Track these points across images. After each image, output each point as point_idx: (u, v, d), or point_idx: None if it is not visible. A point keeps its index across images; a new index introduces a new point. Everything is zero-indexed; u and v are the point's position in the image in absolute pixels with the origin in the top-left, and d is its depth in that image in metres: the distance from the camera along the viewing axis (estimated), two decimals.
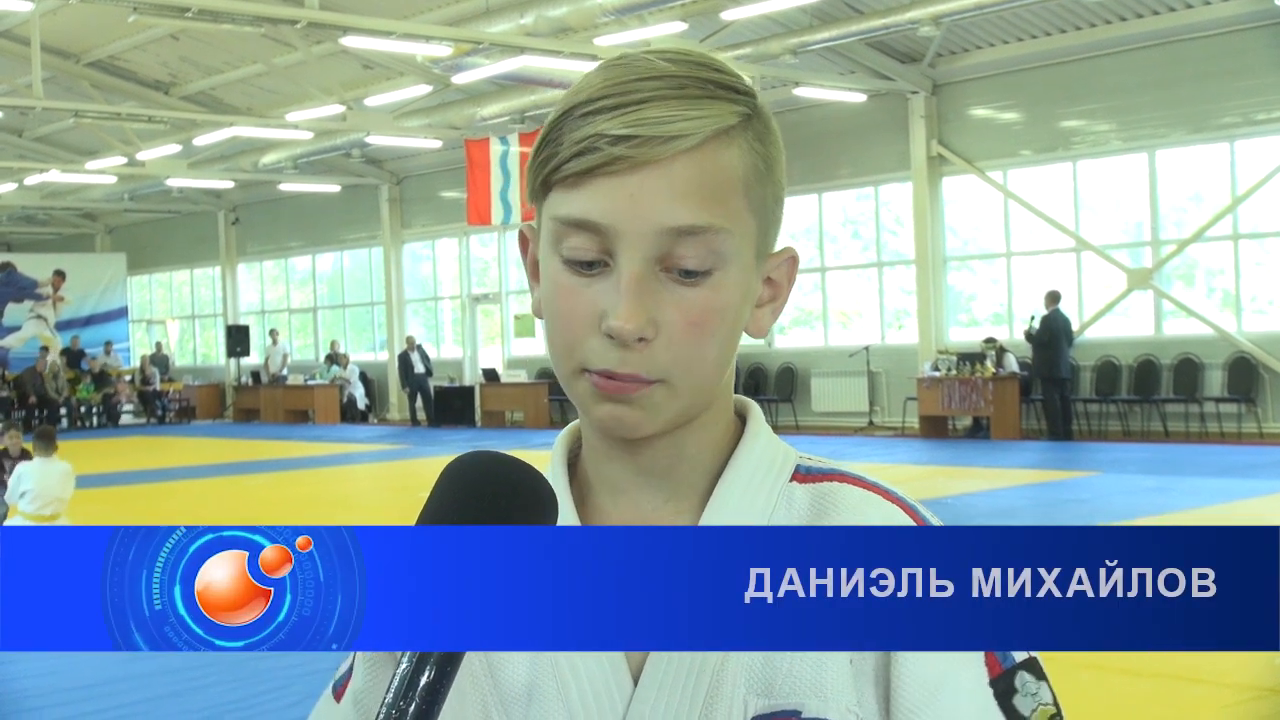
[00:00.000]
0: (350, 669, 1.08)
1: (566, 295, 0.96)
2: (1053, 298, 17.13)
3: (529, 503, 0.88)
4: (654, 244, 0.93)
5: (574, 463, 1.10)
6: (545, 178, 0.96)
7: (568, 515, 1.04)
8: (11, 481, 9.80)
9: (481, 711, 1.02)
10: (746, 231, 0.96)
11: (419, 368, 24.67)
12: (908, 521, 0.99)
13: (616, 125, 0.92)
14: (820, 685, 0.95)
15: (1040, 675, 0.97)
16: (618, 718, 0.97)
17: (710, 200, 0.93)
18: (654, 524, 1.02)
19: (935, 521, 1.00)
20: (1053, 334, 16.95)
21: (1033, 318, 17.32)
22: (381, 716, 0.83)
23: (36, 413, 27.18)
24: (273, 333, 28.73)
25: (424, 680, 0.83)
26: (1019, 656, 0.97)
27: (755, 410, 1.07)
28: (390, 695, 0.83)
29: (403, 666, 0.83)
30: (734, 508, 1.01)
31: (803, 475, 1.04)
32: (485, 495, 0.88)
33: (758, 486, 1.02)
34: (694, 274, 0.94)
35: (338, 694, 1.08)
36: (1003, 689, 0.95)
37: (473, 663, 1.03)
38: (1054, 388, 17.11)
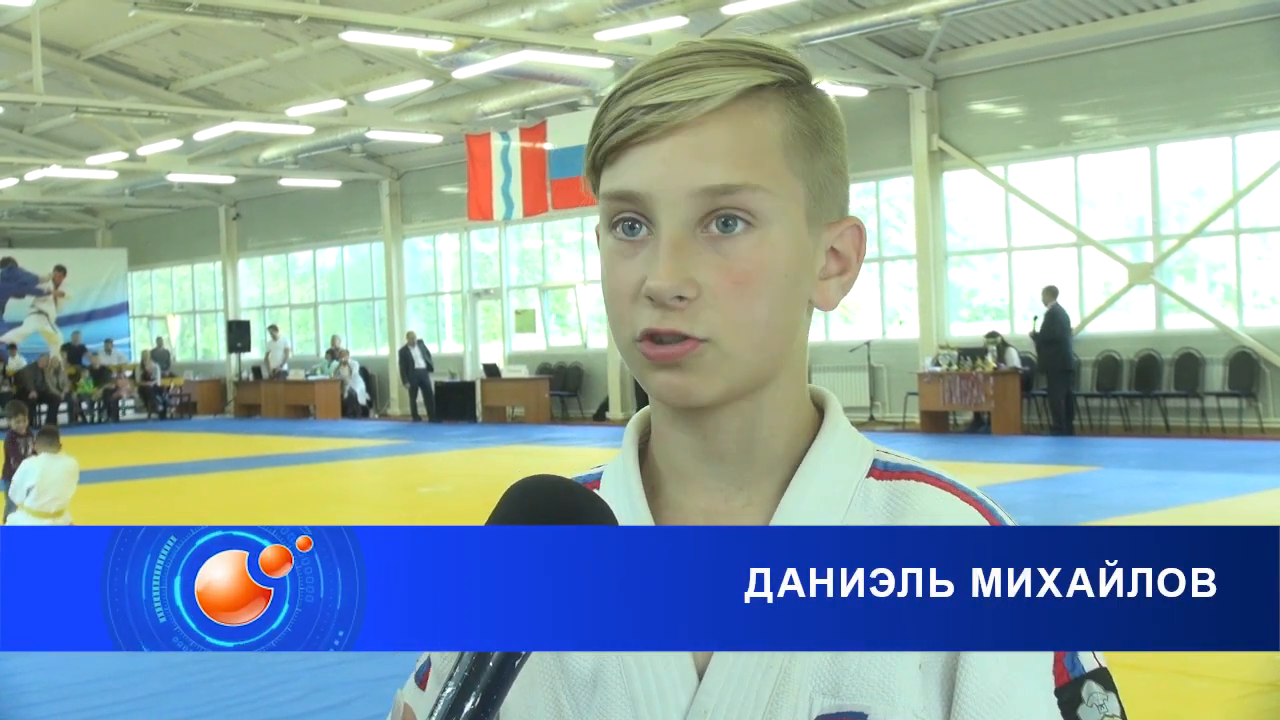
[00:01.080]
0: (428, 658, 1.09)
1: (615, 266, 0.98)
2: (1051, 293, 17.13)
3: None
4: (690, 206, 0.94)
5: (645, 450, 1.08)
6: (593, 160, 0.99)
7: (639, 510, 1.03)
8: (16, 478, 9.84)
9: (551, 696, 1.03)
10: (790, 194, 0.97)
11: (419, 363, 24.68)
12: (983, 523, 0.98)
13: (649, 96, 0.95)
14: (888, 688, 0.94)
15: (1109, 686, 0.96)
16: (681, 710, 0.97)
17: (744, 160, 0.95)
18: (726, 516, 1.01)
19: (1011, 521, 0.98)
20: (1059, 328, 16.95)
21: (1035, 318, 17.30)
22: None
23: (37, 408, 27.18)
24: (272, 329, 28.72)
25: (468, 707, 0.83)
26: (1088, 666, 0.96)
27: (833, 401, 1.06)
28: None
29: (447, 691, 0.83)
30: (811, 501, 1.00)
31: (880, 471, 1.02)
32: (546, 519, 0.86)
33: (835, 479, 1.01)
34: (733, 232, 0.95)
35: (421, 681, 1.08)
36: (1068, 698, 0.94)
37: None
38: (1062, 382, 17.09)
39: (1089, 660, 0.96)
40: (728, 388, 0.97)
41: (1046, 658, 0.94)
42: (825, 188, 1.00)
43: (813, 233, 0.99)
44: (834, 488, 1.00)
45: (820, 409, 1.05)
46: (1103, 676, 0.96)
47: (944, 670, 0.95)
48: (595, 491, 1.07)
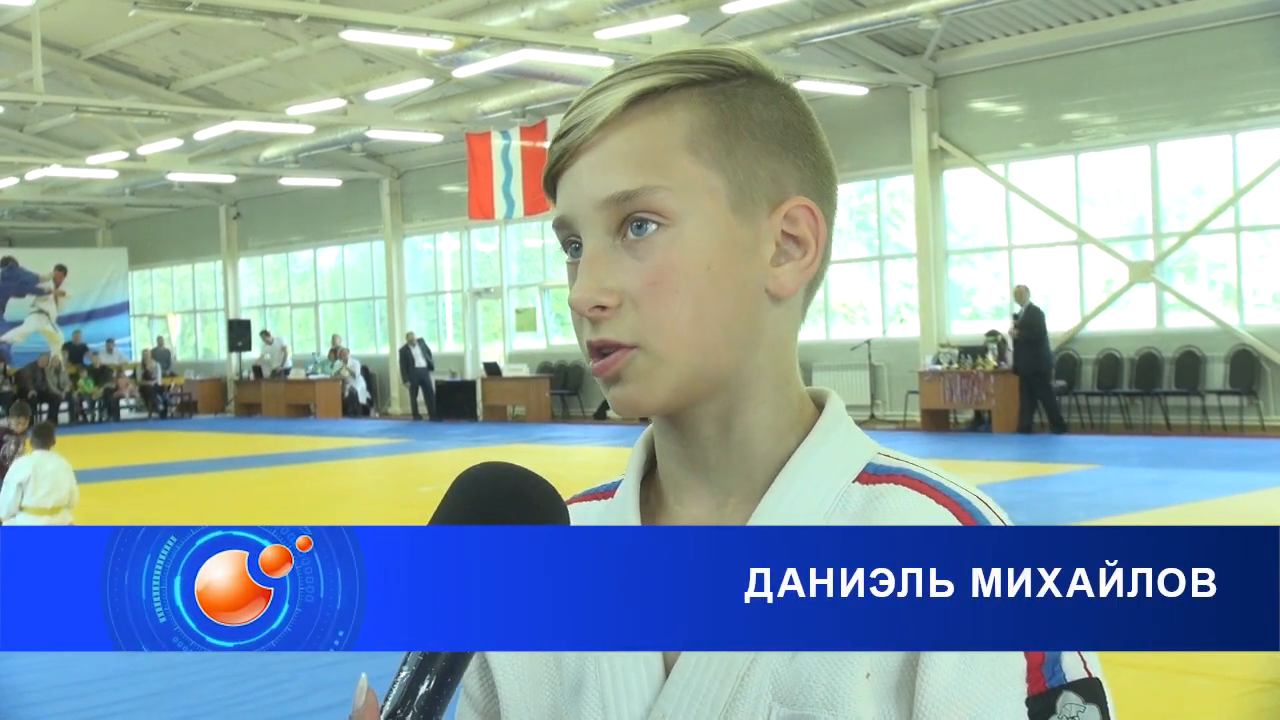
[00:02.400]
0: None
1: (571, 287, 0.99)
2: (1025, 292, 17.05)
3: (540, 518, 0.88)
4: (600, 217, 0.97)
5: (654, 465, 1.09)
6: (548, 195, 1.03)
7: (630, 518, 1.04)
8: (8, 478, 9.83)
9: (551, 698, 1.05)
10: (703, 187, 0.96)
11: (420, 362, 24.69)
12: (950, 520, 0.94)
13: (564, 124, 1.00)
14: (833, 697, 0.93)
15: (1092, 699, 0.90)
16: (641, 712, 0.98)
17: (643, 163, 0.96)
18: (716, 523, 1.01)
19: (990, 518, 0.95)
20: (1040, 329, 16.89)
21: (1016, 316, 17.15)
22: None
23: (38, 407, 27.20)
24: (264, 334, 28.69)
25: (423, 690, 0.84)
26: (1071, 675, 0.90)
27: (834, 402, 1.04)
28: (388, 705, 0.84)
29: (402, 675, 0.84)
30: (789, 506, 0.98)
31: (869, 475, 1.00)
32: (493, 508, 0.87)
33: (818, 485, 0.99)
34: (647, 235, 0.96)
35: None
36: (1040, 709, 0.89)
37: (545, 653, 1.05)
38: (1042, 382, 17.03)
39: (1074, 669, 0.90)
40: (673, 391, 0.97)
41: (1018, 664, 0.89)
42: (754, 175, 0.98)
43: (746, 222, 0.98)
44: (816, 492, 0.98)
45: (822, 410, 1.04)
46: (1086, 688, 0.90)
47: (900, 677, 0.92)
48: (590, 503, 1.10)
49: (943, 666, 0.90)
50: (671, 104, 0.97)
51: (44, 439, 10.04)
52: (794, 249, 1.00)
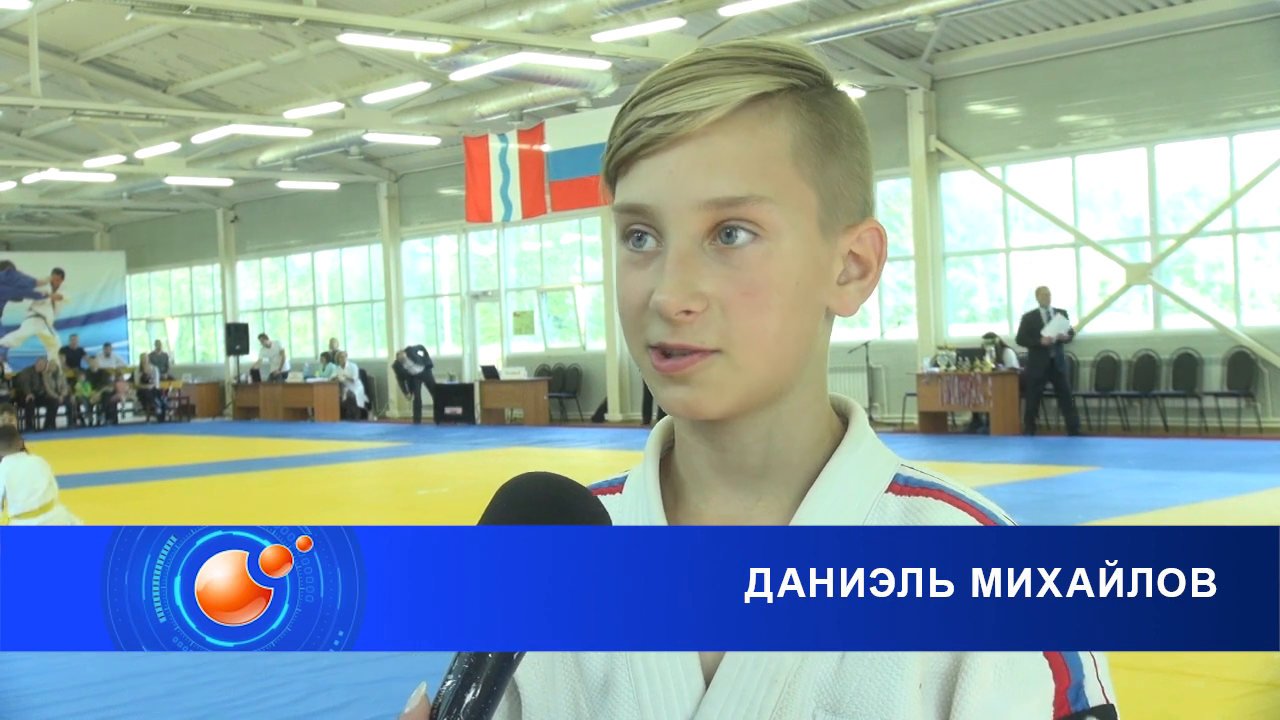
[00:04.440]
0: None
1: (626, 277, 0.97)
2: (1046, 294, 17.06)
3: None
4: (696, 218, 0.93)
5: (669, 458, 1.08)
6: (606, 172, 0.99)
7: (656, 518, 1.03)
8: None
9: (571, 698, 1.03)
10: (800, 203, 0.95)
11: (416, 369, 24.71)
12: None
13: (655, 108, 0.94)
14: (887, 707, 0.93)
15: None
16: (686, 717, 0.97)
17: (751, 170, 0.93)
18: (745, 524, 1.00)
19: None
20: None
21: (1060, 312, 16.98)
22: None
23: (35, 411, 27.20)
24: (262, 337, 28.68)
25: (469, 699, 0.84)
26: (1093, 701, 0.93)
27: (859, 412, 1.04)
28: (438, 713, 0.84)
29: (448, 684, 0.84)
30: (825, 514, 0.98)
31: (900, 486, 1.01)
32: (537, 517, 0.87)
33: (852, 494, 0.99)
34: (741, 245, 0.93)
35: None
36: None
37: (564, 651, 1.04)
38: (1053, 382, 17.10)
39: (1095, 694, 0.93)
40: (739, 401, 0.96)
41: (1049, 687, 0.92)
42: (840, 193, 0.98)
43: (827, 239, 0.97)
44: (851, 501, 0.99)
45: (845, 419, 1.04)
46: (1104, 713, 0.93)
47: (942, 691, 0.93)
48: (604, 497, 1.07)
49: (981, 685, 0.91)
50: (778, 110, 0.95)
51: (9, 443, 9.79)
52: (855, 268, 1.00)
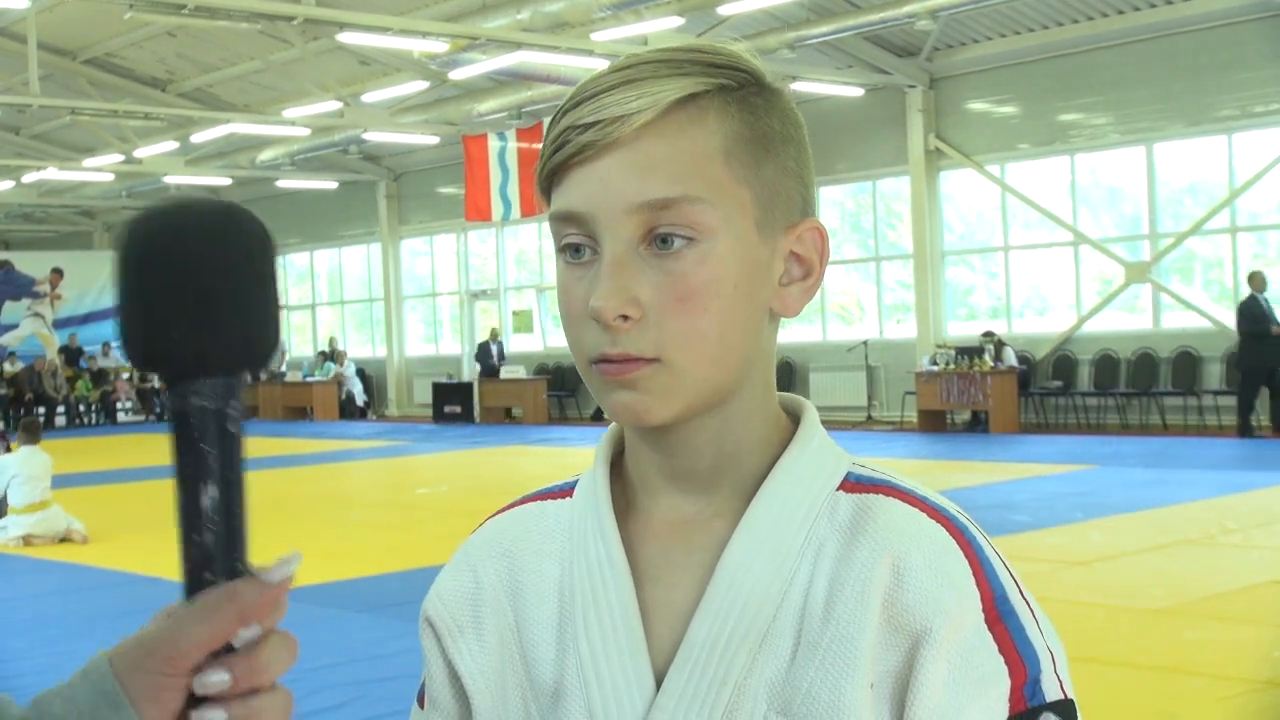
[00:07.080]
0: (424, 679, 1.09)
1: (566, 288, 0.96)
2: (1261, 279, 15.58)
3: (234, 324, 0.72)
4: (630, 222, 0.93)
5: (621, 463, 1.06)
6: (540, 182, 0.98)
7: (606, 522, 1.01)
8: None
9: (522, 706, 1.02)
10: (735, 203, 0.94)
11: (494, 359, 23.94)
12: (948, 541, 0.94)
13: (585, 114, 0.94)
14: (837, 708, 0.92)
15: (1067, 718, 0.92)
16: None
17: (683, 171, 0.92)
18: (695, 525, 0.99)
19: (982, 541, 0.95)
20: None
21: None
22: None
23: (35, 410, 27.18)
24: None
25: (206, 504, 0.72)
26: (1050, 696, 0.92)
27: (809, 411, 1.03)
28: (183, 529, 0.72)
29: (181, 497, 0.72)
30: (776, 514, 0.97)
31: (852, 484, 0.99)
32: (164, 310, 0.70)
33: (803, 493, 0.98)
34: (676, 250, 0.92)
35: (420, 700, 1.09)
36: None
37: (513, 658, 1.03)
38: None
39: (1052, 690, 0.91)
40: (684, 406, 0.95)
41: (1004, 684, 0.90)
42: (777, 192, 0.97)
43: (765, 240, 0.96)
44: (802, 500, 0.98)
45: (795, 419, 1.03)
46: (1063, 709, 0.91)
47: (895, 690, 0.92)
48: (555, 502, 1.07)
49: (934, 683, 0.90)
50: (706, 111, 0.94)
51: (32, 436, 9.98)
52: (797, 269, 0.99)
